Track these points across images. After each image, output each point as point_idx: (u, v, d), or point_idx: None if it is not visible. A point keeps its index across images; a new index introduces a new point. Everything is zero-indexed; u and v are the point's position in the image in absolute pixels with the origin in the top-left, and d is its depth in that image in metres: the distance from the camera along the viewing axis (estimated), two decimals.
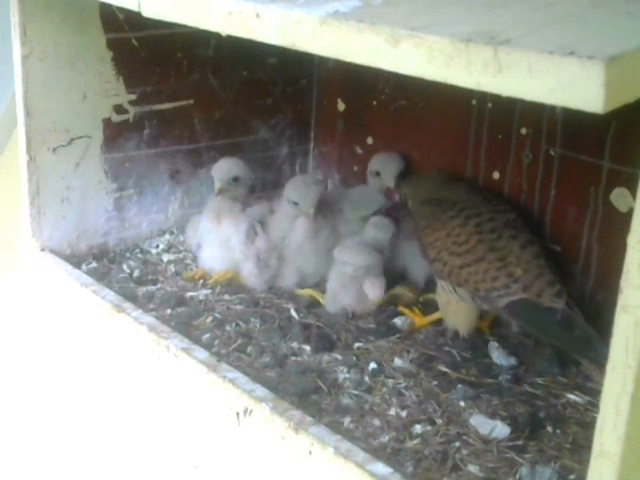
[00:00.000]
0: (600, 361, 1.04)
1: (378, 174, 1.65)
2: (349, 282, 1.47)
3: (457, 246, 1.33)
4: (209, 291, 1.54)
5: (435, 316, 1.43)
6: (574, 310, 1.22)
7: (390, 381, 1.29)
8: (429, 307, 1.50)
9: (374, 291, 1.47)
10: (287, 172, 1.87)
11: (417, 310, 1.47)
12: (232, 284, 1.57)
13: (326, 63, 1.80)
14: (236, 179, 1.59)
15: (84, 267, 1.59)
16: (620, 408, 0.77)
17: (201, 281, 1.58)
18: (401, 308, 1.48)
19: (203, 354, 1.28)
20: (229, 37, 0.96)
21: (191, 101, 1.70)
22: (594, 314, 1.22)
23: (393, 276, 1.54)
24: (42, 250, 1.58)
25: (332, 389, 1.26)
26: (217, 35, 0.98)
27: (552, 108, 0.74)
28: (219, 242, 1.58)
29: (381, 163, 1.66)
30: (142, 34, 1.57)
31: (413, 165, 1.68)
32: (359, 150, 1.80)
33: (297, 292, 1.55)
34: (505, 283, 1.26)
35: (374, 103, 1.74)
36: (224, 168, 1.59)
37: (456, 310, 1.37)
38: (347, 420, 1.18)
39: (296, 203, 1.54)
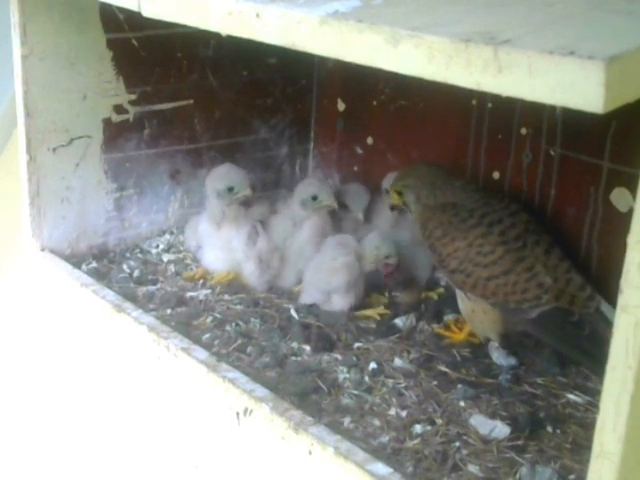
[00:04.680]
0: None
1: (388, 192, 1.61)
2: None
3: (482, 257, 1.28)
4: (209, 291, 1.54)
5: (469, 326, 1.39)
6: (602, 315, 1.22)
7: (390, 381, 1.28)
8: (430, 305, 1.51)
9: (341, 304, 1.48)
10: (287, 172, 1.87)
11: (455, 328, 1.43)
12: (232, 284, 1.56)
13: (326, 63, 1.80)
14: (230, 189, 1.56)
15: (84, 267, 1.59)
16: (620, 408, 0.77)
17: (201, 281, 1.58)
18: (437, 329, 1.43)
19: (203, 354, 1.28)
20: (229, 37, 0.96)
21: (191, 101, 1.70)
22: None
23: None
24: (42, 250, 1.58)
25: (332, 389, 1.26)
26: (217, 35, 0.98)
27: (552, 108, 0.74)
28: (221, 244, 1.57)
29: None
30: (142, 34, 1.57)
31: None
32: (359, 150, 1.80)
33: (297, 292, 1.55)
34: (536, 294, 1.25)
35: (374, 103, 1.74)
36: (216, 178, 1.57)
37: (482, 319, 1.34)
38: (347, 420, 1.18)
39: (315, 198, 1.55)
